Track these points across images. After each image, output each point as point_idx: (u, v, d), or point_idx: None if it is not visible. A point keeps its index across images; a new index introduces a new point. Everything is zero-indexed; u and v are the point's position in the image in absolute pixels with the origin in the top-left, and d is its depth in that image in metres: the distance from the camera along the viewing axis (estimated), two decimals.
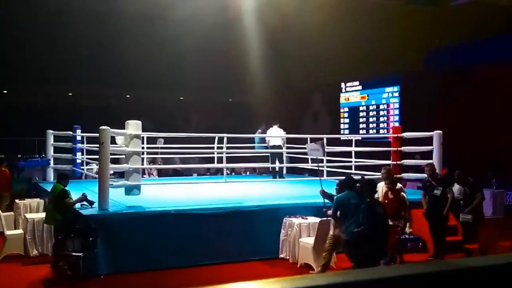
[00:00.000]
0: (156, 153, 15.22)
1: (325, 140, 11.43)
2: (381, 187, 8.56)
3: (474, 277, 1.49)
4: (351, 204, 7.25)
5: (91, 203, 8.72)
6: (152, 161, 16.01)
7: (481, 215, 8.77)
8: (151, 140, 14.26)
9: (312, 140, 13.48)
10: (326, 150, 12.90)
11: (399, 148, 12.45)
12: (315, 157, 10.67)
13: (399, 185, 8.70)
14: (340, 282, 1.32)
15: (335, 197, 7.77)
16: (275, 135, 14.34)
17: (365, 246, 6.88)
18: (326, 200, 8.08)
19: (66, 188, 8.71)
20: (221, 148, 11.90)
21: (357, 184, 7.63)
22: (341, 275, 1.37)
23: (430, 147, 11.71)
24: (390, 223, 7.86)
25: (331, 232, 7.78)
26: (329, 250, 7.81)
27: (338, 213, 7.44)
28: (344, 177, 8.40)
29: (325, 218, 8.74)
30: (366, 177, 8.12)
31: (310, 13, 16.58)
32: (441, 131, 11.69)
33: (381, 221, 6.97)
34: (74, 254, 7.90)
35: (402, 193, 8.66)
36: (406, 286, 1.41)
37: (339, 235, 7.49)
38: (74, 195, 8.73)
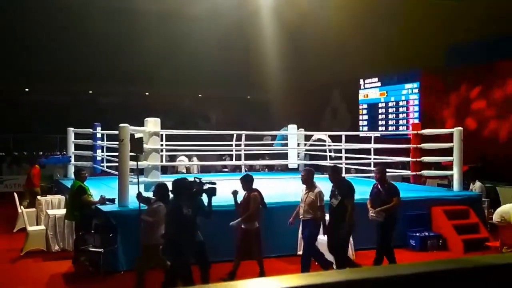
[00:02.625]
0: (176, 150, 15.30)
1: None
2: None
3: (487, 274, 1.48)
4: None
5: (111, 200, 8.81)
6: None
7: (394, 218, 8.11)
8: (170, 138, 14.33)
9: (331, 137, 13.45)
10: (345, 147, 12.89)
11: (418, 145, 12.34)
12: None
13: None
14: (357, 279, 1.32)
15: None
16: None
17: (170, 251, 6.61)
18: (142, 204, 7.55)
19: (84, 184, 8.82)
20: (240, 145, 11.91)
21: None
22: (358, 272, 1.36)
23: (450, 144, 11.58)
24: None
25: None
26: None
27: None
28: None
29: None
30: (177, 178, 7.55)
31: (329, 9, 16.50)
32: (461, 128, 11.55)
33: (186, 223, 6.59)
34: (94, 250, 8.00)
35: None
36: (415, 285, 1.40)
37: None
38: (94, 192, 8.83)
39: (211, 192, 7.17)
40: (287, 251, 9.14)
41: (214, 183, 7.33)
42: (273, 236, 9.12)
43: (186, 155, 15.97)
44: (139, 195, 7.52)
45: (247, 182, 8.01)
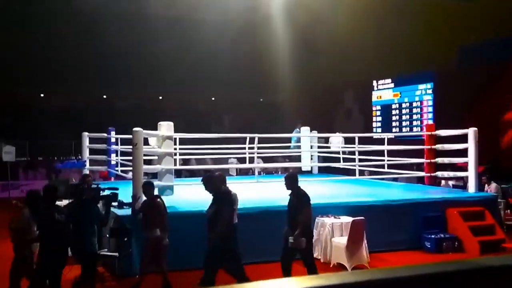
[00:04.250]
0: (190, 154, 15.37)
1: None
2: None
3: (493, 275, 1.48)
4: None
5: (127, 204, 8.86)
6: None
7: (310, 232, 7.51)
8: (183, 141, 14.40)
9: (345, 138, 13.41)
10: (358, 149, 12.86)
11: (433, 146, 12.25)
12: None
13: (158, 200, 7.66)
14: (364, 280, 1.32)
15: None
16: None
17: (42, 256, 6.46)
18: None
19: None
20: (253, 148, 11.92)
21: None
22: (365, 274, 1.37)
23: (465, 145, 11.47)
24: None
25: None
26: None
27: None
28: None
29: (359, 218, 8.69)
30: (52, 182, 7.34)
31: (341, 11, 16.47)
32: (476, 128, 11.44)
33: (57, 229, 6.39)
34: (109, 254, 8.05)
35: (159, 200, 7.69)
36: (422, 286, 1.40)
37: None
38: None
39: (110, 199, 7.07)
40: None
41: (116, 190, 7.22)
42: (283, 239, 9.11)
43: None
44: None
45: (148, 188, 7.63)
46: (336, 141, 15.05)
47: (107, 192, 7.85)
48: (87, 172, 13.98)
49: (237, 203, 7.41)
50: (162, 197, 8.03)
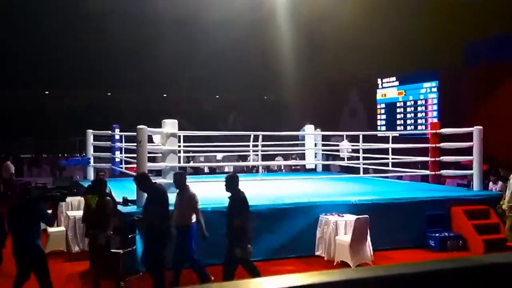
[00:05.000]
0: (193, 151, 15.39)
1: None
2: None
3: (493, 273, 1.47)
4: None
5: (132, 202, 8.88)
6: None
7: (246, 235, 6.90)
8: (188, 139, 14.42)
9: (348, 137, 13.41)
10: (362, 146, 12.85)
11: (437, 145, 12.21)
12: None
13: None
14: (357, 278, 1.32)
15: None
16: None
17: None
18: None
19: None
20: (257, 146, 11.92)
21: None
22: (359, 271, 1.36)
23: (470, 143, 11.43)
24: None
25: None
26: None
27: None
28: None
29: (363, 216, 8.68)
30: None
31: (345, 9, 16.43)
32: (481, 127, 11.39)
33: None
34: (113, 250, 8.06)
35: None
36: (427, 283, 1.39)
37: None
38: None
39: (57, 199, 7.02)
40: (304, 252, 9.12)
41: (65, 190, 7.16)
42: (290, 237, 9.12)
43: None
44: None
45: (97, 186, 7.46)
46: (346, 146, 15.03)
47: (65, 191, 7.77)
48: (91, 169, 14.04)
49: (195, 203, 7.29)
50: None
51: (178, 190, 7.41)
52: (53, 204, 6.85)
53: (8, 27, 20.50)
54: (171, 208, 7.21)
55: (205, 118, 27.28)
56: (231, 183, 6.99)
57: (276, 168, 18.07)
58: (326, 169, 15.56)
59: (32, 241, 6.50)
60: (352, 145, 14.48)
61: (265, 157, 13.82)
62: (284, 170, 17.86)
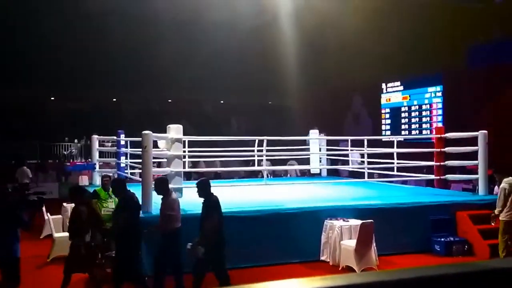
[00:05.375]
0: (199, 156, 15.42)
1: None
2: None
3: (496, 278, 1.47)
4: None
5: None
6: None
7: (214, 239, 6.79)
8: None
9: (353, 141, 13.41)
10: (367, 151, 12.85)
11: (442, 149, 12.19)
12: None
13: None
14: (362, 283, 1.33)
15: None
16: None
17: None
18: None
19: (102, 190, 8.96)
20: (261, 151, 11.93)
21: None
22: (363, 276, 1.37)
23: (475, 148, 11.41)
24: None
25: None
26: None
27: None
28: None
29: (368, 221, 8.67)
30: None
31: (349, 14, 16.45)
32: (486, 131, 11.37)
33: None
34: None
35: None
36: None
37: None
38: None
39: (34, 204, 6.99)
40: (309, 256, 9.11)
41: (43, 195, 7.17)
42: (295, 242, 9.12)
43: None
44: None
45: (73, 194, 7.45)
46: (356, 158, 15.06)
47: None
48: (98, 174, 14.08)
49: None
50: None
51: (161, 196, 7.40)
52: (32, 209, 6.84)
53: (12, 30, 20.62)
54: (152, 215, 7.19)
55: (209, 123, 27.33)
56: (203, 189, 6.98)
57: (281, 173, 18.08)
58: (336, 173, 15.59)
59: (9, 245, 6.51)
60: (357, 150, 14.48)
61: (273, 162, 13.82)
62: (289, 175, 17.86)
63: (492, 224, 8.95)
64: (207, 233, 6.69)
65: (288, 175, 17.99)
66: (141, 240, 7.18)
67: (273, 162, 16.77)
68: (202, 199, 7.02)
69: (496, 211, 8.85)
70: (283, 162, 18.31)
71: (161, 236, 7.18)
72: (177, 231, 7.17)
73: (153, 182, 8.04)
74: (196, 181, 7.26)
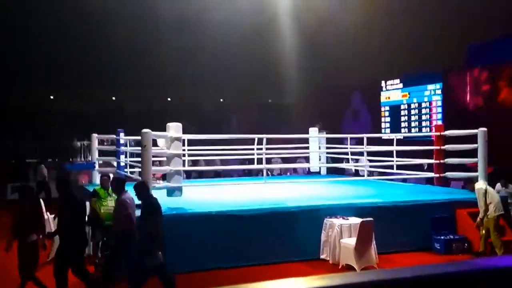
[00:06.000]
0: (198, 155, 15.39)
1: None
2: None
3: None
4: None
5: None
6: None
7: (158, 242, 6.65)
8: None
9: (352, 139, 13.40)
10: (367, 149, 12.85)
11: (442, 147, 12.18)
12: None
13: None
14: (360, 282, 1.33)
15: None
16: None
17: None
18: None
19: (102, 189, 8.96)
20: (261, 149, 11.92)
21: None
22: (362, 275, 1.37)
23: (474, 145, 11.40)
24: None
25: None
26: None
27: None
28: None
29: (368, 219, 8.67)
30: None
31: (349, 12, 16.44)
32: (485, 129, 11.36)
33: None
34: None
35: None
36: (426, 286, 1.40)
37: None
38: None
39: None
40: (309, 255, 9.11)
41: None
42: (295, 240, 9.12)
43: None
44: None
45: (23, 190, 7.39)
46: (363, 163, 15.05)
47: None
48: (97, 173, 14.07)
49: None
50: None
51: (116, 195, 7.40)
52: None
53: (12, 30, 20.61)
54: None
55: (209, 121, 27.31)
56: (140, 191, 6.94)
57: (280, 171, 18.07)
58: (341, 172, 15.59)
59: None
60: (357, 147, 14.47)
61: (270, 161, 13.80)
62: (288, 173, 17.85)
63: (481, 230, 9.08)
64: (154, 237, 6.52)
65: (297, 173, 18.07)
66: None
67: (284, 160, 16.87)
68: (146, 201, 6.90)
69: (480, 216, 8.93)
70: (293, 160, 18.32)
71: (116, 236, 7.14)
72: (132, 231, 7.04)
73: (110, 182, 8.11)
74: (133, 184, 7.19)
